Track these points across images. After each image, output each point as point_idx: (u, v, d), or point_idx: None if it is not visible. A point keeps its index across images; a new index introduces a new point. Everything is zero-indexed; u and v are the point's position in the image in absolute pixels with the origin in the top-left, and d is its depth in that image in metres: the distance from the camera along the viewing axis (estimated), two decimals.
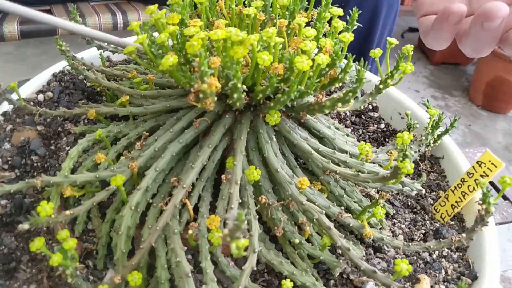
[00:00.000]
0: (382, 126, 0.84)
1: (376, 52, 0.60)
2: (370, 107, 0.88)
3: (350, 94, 0.49)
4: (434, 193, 0.71)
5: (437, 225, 0.65)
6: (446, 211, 0.66)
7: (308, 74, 0.49)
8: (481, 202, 0.50)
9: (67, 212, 0.49)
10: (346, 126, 0.82)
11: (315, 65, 0.49)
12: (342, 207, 0.58)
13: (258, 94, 0.52)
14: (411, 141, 0.72)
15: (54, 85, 0.77)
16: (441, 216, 0.66)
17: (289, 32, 0.57)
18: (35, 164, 0.62)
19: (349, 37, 0.51)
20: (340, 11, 0.56)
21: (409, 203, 0.69)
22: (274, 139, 0.57)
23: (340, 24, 0.55)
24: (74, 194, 0.54)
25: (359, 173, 0.54)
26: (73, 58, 0.75)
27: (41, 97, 0.74)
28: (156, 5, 0.55)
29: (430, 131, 0.68)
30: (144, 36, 0.51)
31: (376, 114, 0.87)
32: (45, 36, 1.51)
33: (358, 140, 0.79)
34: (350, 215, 0.56)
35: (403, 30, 3.47)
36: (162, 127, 0.59)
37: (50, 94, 0.74)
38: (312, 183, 0.60)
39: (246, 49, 0.46)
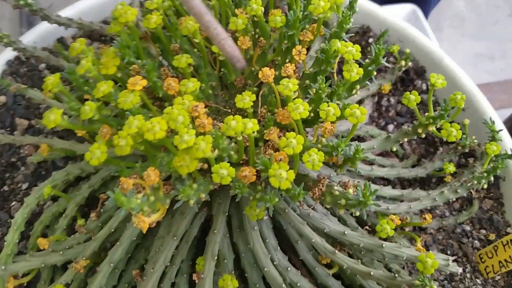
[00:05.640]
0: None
1: None
2: (424, 87, 0.72)
3: None
4: (484, 231, 0.60)
5: (478, 281, 0.57)
6: (492, 265, 0.56)
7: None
8: None
9: None
10: (386, 123, 0.69)
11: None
12: None
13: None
14: (454, 174, 0.59)
15: (9, 80, 0.67)
16: (485, 269, 0.57)
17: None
18: None
19: None
20: None
21: (450, 247, 0.59)
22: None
23: None
24: (22, 282, 0.50)
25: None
26: (22, 49, 0.64)
27: None
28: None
29: (485, 174, 0.54)
30: None
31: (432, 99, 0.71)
32: None
33: (402, 146, 0.67)
34: None
35: None
36: None
37: (3, 98, 0.66)
38: None
39: (195, 162, 0.35)
